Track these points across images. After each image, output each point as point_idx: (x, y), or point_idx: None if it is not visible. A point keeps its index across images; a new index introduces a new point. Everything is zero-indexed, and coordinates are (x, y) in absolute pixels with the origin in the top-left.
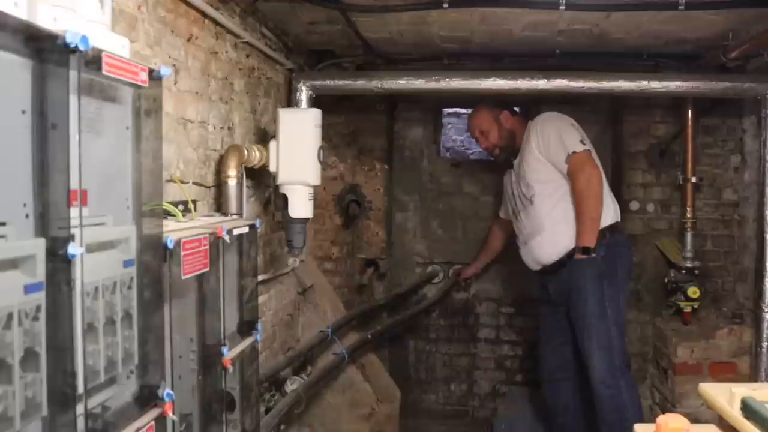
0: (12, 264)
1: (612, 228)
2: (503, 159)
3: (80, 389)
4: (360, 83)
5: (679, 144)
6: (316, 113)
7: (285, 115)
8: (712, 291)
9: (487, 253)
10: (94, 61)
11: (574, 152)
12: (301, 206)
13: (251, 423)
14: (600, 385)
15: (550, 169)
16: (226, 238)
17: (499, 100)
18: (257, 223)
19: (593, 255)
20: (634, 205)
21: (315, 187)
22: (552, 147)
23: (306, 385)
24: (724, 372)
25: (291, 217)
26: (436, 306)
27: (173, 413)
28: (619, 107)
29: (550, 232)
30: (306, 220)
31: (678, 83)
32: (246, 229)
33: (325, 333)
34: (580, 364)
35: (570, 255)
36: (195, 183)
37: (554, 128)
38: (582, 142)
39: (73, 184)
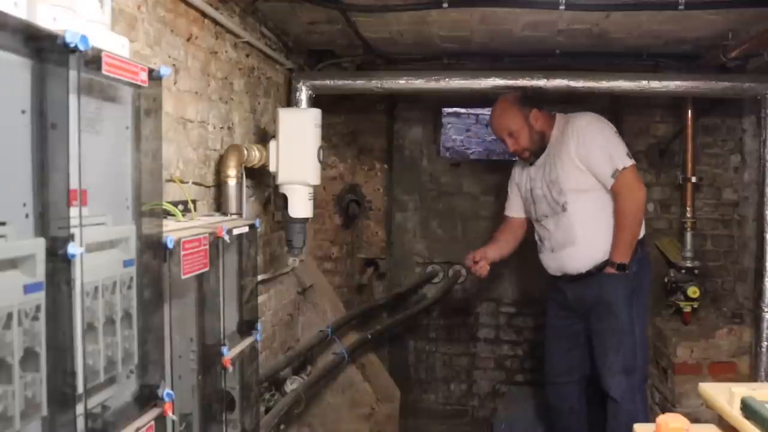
0: (12, 264)
1: (641, 241)
2: (532, 161)
3: (80, 389)
4: (360, 83)
5: (679, 144)
6: (316, 113)
7: (285, 115)
8: (711, 291)
9: (495, 248)
10: (93, 60)
11: (623, 168)
12: (300, 206)
13: (251, 423)
14: (620, 399)
15: (589, 179)
16: (226, 237)
17: (528, 95)
18: (257, 222)
19: (626, 272)
20: None
21: (315, 187)
22: (597, 159)
23: (306, 385)
24: (724, 372)
25: (291, 217)
26: (436, 306)
27: (173, 413)
28: (619, 107)
29: (584, 244)
30: (306, 219)
31: (678, 83)
32: (246, 229)
33: (324, 333)
34: (586, 368)
35: (599, 268)
36: (195, 183)
37: (600, 138)
38: (628, 155)
39: (73, 184)
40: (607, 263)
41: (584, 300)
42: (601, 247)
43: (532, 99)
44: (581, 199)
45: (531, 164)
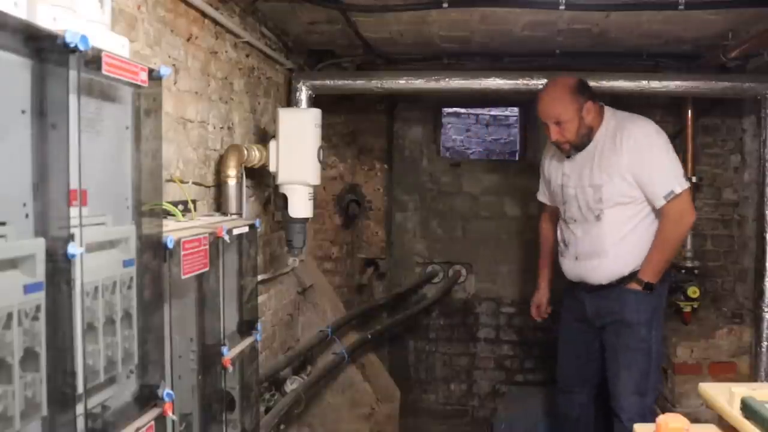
0: (12, 264)
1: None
2: (570, 155)
3: (80, 389)
4: (360, 83)
5: (679, 144)
6: (316, 113)
7: (285, 115)
8: (711, 291)
9: (549, 262)
10: (93, 60)
11: (681, 192)
12: (300, 206)
13: (251, 423)
14: (628, 422)
15: (634, 192)
16: (226, 237)
17: (586, 84)
18: (257, 222)
19: (651, 291)
20: None
21: (315, 187)
22: (653, 179)
23: (306, 385)
24: (724, 372)
25: (291, 217)
26: (435, 306)
27: (173, 413)
28: (619, 107)
29: (612, 259)
30: (306, 219)
31: (678, 83)
32: (246, 229)
33: (324, 333)
34: (599, 378)
35: (622, 281)
36: (195, 183)
37: (660, 156)
38: (684, 176)
39: (73, 184)
40: (630, 277)
41: (603, 313)
42: (630, 261)
43: (589, 89)
44: (619, 211)
45: (568, 157)
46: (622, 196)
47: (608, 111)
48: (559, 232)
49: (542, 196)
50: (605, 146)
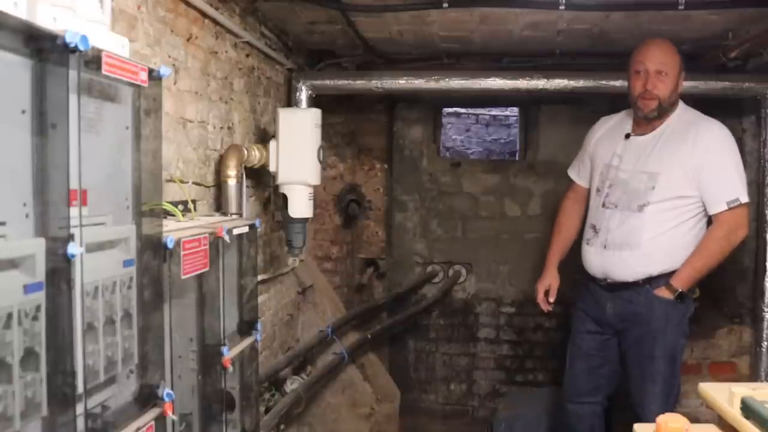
0: (12, 264)
1: None
2: (650, 118)
3: (80, 389)
4: (360, 83)
5: None
6: (316, 113)
7: (285, 115)
8: (711, 291)
9: (562, 245)
10: (93, 60)
11: (745, 203)
12: (301, 206)
13: (251, 423)
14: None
15: (690, 192)
16: (226, 237)
17: None
18: (257, 222)
19: (681, 301)
20: None
21: (315, 187)
22: (719, 179)
23: (306, 385)
24: (724, 372)
25: (291, 217)
26: (435, 306)
27: (173, 413)
28: (619, 107)
29: (644, 253)
30: (306, 219)
31: None
32: (246, 229)
33: (324, 333)
34: (613, 386)
35: (647, 281)
36: (195, 183)
37: (732, 161)
38: (747, 188)
39: (73, 184)
40: (657, 279)
41: (626, 318)
42: (662, 261)
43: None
44: (665, 206)
45: (626, 137)
46: (674, 191)
47: (682, 103)
48: (589, 217)
49: (574, 174)
50: (673, 135)
